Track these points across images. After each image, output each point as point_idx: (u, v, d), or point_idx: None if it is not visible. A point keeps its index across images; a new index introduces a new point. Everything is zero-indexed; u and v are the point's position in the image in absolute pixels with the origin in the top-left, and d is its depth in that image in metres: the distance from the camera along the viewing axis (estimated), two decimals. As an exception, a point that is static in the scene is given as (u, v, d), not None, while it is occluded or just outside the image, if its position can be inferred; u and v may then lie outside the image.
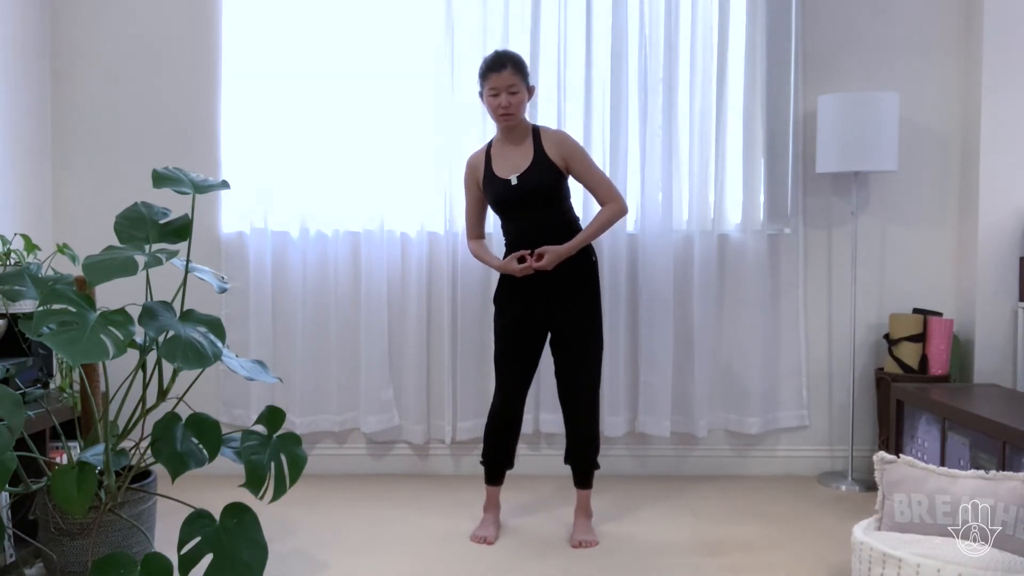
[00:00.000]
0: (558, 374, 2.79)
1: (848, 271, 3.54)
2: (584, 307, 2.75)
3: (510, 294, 2.79)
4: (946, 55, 3.50)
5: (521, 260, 2.71)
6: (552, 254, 2.68)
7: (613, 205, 2.77)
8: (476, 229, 2.90)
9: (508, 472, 2.89)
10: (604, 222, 2.76)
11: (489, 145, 2.84)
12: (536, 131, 2.78)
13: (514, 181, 2.71)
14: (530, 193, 2.71)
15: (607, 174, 3.40)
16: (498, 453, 2.83)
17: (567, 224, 2.76)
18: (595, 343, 2.77)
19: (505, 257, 2.80)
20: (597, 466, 2.82)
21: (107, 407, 2.15)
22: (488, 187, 2.79)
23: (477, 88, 2.80)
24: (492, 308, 2.92)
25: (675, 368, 3.49)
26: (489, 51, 3.37)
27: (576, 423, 2.77)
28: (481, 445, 2.89)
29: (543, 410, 3.45)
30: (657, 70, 3.44)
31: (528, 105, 2.84)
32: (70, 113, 3.52)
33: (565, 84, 3.42)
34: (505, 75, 2.68)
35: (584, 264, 2.76)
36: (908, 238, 3.54)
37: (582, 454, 2.79)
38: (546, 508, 3.12)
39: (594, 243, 3.36)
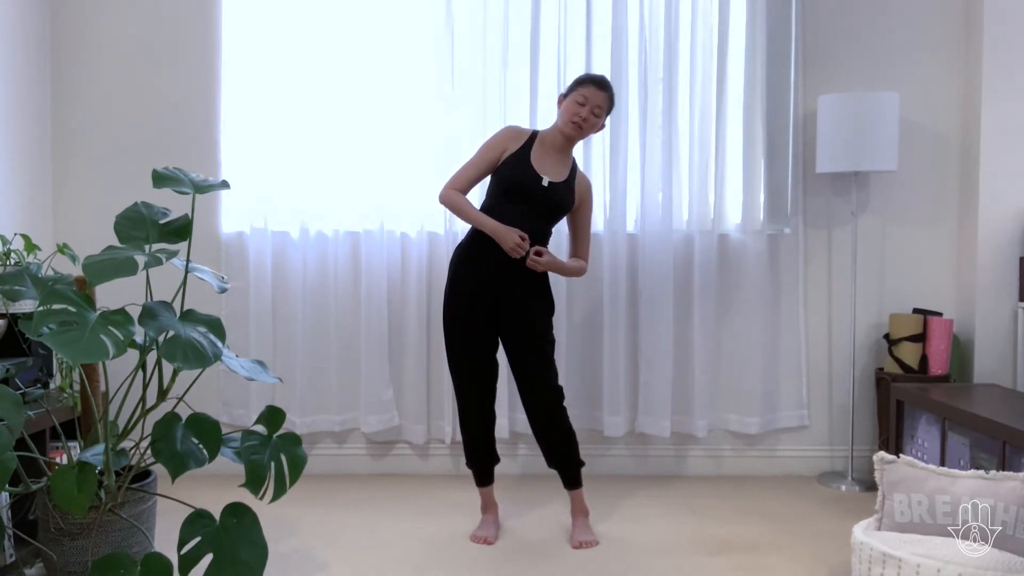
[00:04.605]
0: (520, 377, 2.73)
1: (848, 271, 3.54)
2: (540, 306, 2.74)
3: (469, 286, 2.71)
4: (946, 55, 3.50)
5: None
6: (552, 258, 2.70)
7: (584, 263, 2.85)
8: (464, 186, 2.78)
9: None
10: (576, 268, 2.81)
11: (533, 136, 2.79)
12: (574, 164, 2.82)
13: (545, 182, 2.71)
14: (551, 199, 2.71)
15: (607, 175, 3.43)
16: (482, 454, 2.82)
17: (545, 243, 2.78)
18: (551, 342, 2.76)
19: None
20: (582, 463, 2.80)
21: (107, 407, 2.15)
22: (514, 167, 2.71)
23: (561, 90, 2.82)
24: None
25: (675, 368, 3.49)
26: (489, 51, 3.40)
27: (547, 426, 2.73)
28: None
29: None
30: (657, 70, 3.44)
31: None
32: (70, 112, 3.52)
33: (565, 84, 3.41)
34: (602, 96, 2.70)
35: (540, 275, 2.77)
36: (908, 238, 3.54)
37: (562, 454, 2.76)
38: (546, 508, 3.12)
39: (593, 243, 3.41)
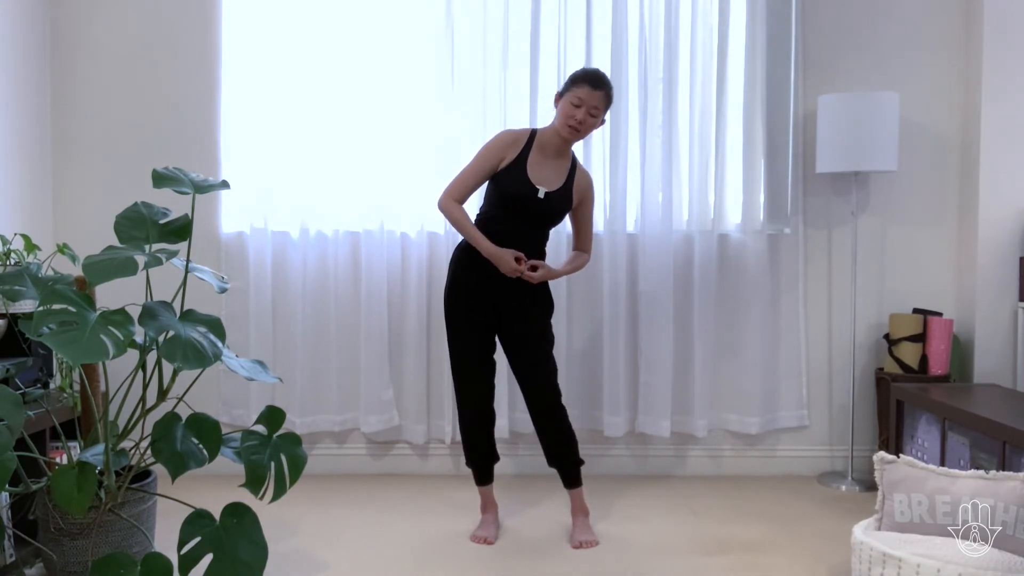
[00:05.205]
0: (521, 377, 2.75)
1: (848, 271, 3.54)
2: (539, 307, 2.76)
3: (468, 289, 2.73)
4: (946, 55, 3.50)
5: (516, 260, 2.68)
6: (547, 270, 2.71)
7: (588, 256, 2.90)
8: (463, 194, 2.75)
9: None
10: (578, 267, 2.87)
11: (531, 138, 2.76)
12: (574, 161, 2.80)
13: (541, 194, 2.70)
14: (547, 211, 2.72)
15: (607, 175, 3.43)
16: (482, 453, 2.82)
17: (543, 246, 2.80)
18: (550, 341, 2.77)
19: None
20: (581, 461, 2.80)
21: (107, 407, 2.15)
22: (511, 179, 2.70)
23: (558, 88, 2.80)
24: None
25: (675, 368, 3.49)
26: (489, 51, 3.40)
27: (548, 425, 2.74)
28: None
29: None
30: (657, 70, 3.44)
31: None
32: (70, 113, 3.52)
33: (565, 84, 3.42)
34: (597, 95, 2.64)
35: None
36: (908, 238, 3.54)
37: (563, 452, 2.76)
38: (546, 507, 3.12)
39: (594, 243, 3.39)
